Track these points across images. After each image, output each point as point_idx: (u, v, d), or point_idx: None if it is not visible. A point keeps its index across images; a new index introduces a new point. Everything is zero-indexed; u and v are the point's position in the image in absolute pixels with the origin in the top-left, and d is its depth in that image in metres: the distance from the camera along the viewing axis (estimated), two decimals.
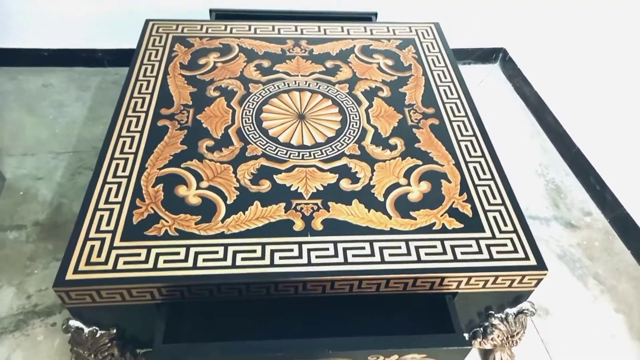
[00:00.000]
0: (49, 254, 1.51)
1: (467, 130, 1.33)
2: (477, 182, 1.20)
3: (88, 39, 2.09)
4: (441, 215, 1.11)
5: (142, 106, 1.32)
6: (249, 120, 1.31)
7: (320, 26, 1.66)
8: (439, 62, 1.55)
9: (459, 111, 1.38)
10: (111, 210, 1.07)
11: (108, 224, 1.05)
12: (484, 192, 1.17)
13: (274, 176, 1.17)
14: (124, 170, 1.16)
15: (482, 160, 1.25)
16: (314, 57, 1.53)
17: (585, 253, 1.63)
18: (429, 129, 1.32)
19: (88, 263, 0.98)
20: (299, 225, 1.07)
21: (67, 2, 1.95)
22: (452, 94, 1.44)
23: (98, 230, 1.04)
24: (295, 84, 1.43)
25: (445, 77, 1.49)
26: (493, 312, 1.17)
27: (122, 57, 2.13)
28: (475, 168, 1.23)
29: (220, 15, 1.86)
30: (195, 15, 1.95)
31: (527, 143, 2.01)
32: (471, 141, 1.30)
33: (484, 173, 1.22)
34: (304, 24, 1.66)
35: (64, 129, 1.90)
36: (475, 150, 1.27)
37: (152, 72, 1.43)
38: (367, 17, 1.89)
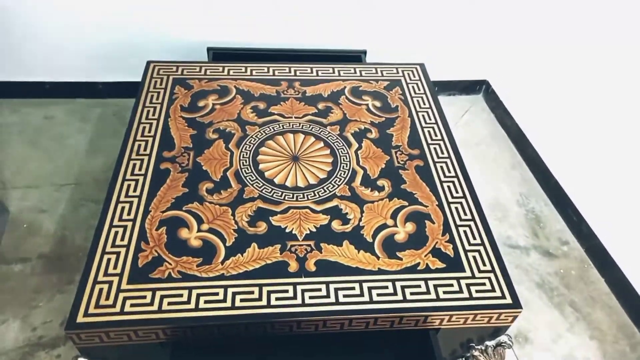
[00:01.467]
0: (53, 287, 1.58)
1: (449, 171, 1.42)
2: (458, 222, 1.29)
3: (89, 72, 2.17)
4: (425, 256, 1.20)
5: (145, 149, 1.40)
6: (246, 162, 1.39)
7: (312, 67, 1.76)
8: (424, 104, 1.65)
9: (442, 152, 1.48)
10: (117, 254, 1.15)
11: (115, 267, 1.12)
12: (465, 232, 1.27)
13: (270, 218, 1.25)
14: (129, 214, 1.23)
15: (463, 201, 1.34)
16: (306, 98, 1.63)
17: (563, 281, 1.73)
18: (414, 170, 1.42)
19: (97, 306, 1.05)
20: (293, 266, 1.15)
21: (69, 36, 2.03)
22: (435, 135, 1.54)
23: (106, 274, 1.11)
24: (290, 125, 1.52)
25: (430, 119, 1.59)
26: (474, 345, 1.26)
27: (122, 89, 2.22)
28: (457, 209, 1.32)
29: (217, 53, 1.95)
30: (193, 52, 2.05)
31: (508, 173, 2.12)
32: (453, 182, 1.39)
33: (465, 214, 1.31)
34: (297, 65, 1.76)
35: (66, 161, 1.97)
36: (457, 191, 1.37)
37: (154, 114, 1.51)
38: (356, 55, 1.99)
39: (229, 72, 1.70)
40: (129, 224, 1.21)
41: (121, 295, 1.07)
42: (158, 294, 1.08)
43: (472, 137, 2.27)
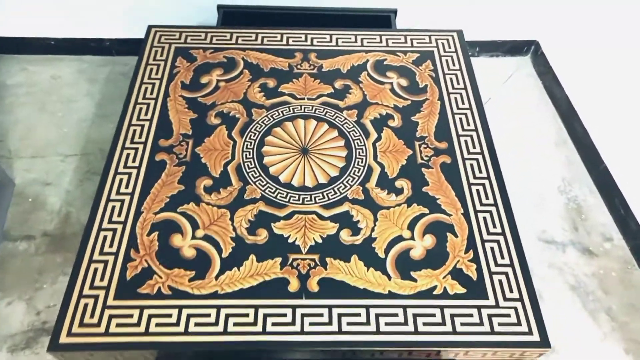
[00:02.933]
0: (57, 268, 1.54)
1: (480, 171, 1.24)
2: (485, 236, 1.13)
3: (96, 28, 2.01)
4: (443, 277, 1.07)
5: (140, 136, 1.27)
6: (249, 154, 1.25)
7: (332, 35, 1.54)
8: (458, 83, 1.43)
9: (474, 147, 1.29)
10: (105, 263, 1.06)
11: (102, 278, 1.04)
12: (492, 249, 1.11)
13: (272, 224, 1.13)
14: (119, 215, 1.13)
15: (493, 209, 1.18)
16: (322, 74, 1.43)
17: (601, 284, 1.56)
18: (439, 169, 1.24)
19: (81, 324, 0.98)
20: (294, 285, 1.04)
21: None
22: (468, 124, 1.34)
23: (92, 286, 1.03)
24: (301, 109, 1.35)
25: (463, 103, 1.38)
26: None
27: (130, 46, 2.06)
28: (485, 219, 1.16)
29: (227, 12, 1.75)
30: (203, 11, 1.85)
31: (551, 152, 1.90)
32: (483, 185, 1.22)
33: (494, 226, 1.15)
34: (314, 32, 1.55)
35: (72, 128, 1.88)
36: (487, 197, 1.19)
37: (152, 93, 1.37)
38: (385, 16, 1.75)
39: (237, 40, 1.52)
40: (119, 227, 1.12)
41: (107, 313, 1.00)
42: (146, 313, 1.00)
43: (513, 106, 2.02)
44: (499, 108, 1.99)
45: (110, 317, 0.99)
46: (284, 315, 1.00)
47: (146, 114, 1.32)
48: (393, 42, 1.53)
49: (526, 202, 1.72)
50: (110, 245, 1.09)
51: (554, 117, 2.01)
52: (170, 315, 0.99)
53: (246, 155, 1.25)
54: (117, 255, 1.07)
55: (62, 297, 1.46)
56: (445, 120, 1.34)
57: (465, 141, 1.30)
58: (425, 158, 1.26)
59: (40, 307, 1.47)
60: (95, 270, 1.05)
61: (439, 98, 1.39)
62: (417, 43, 1.53)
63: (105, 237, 1.10)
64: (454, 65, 1.48)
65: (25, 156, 1.79)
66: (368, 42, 1.53)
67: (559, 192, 1.78)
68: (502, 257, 1.10)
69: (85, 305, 1.01)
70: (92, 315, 0.99)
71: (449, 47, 1.53)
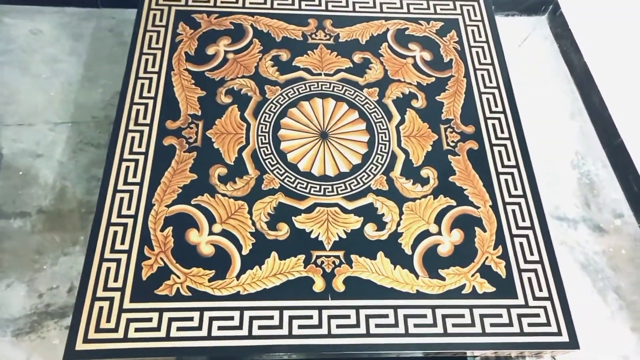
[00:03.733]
0: (56, 248, 1.46)
1: (509, 159, 1.18)
2: (514, 231, 1.09)
3: None
4: (472, 276, 1.03)
5: (144, 117, 1.17)
6: (265, 139, 1.16)
7: None
8: (485, 58, 1.34)
9: (502, 131, 1.22)
10: (118, 262, 1.00)
11: (116, 279, 0.98)
12: (521, 245, 1.08)
13: (293, 218, 1.07)
14: (129, 208, 1.05)
15: (522, 201, 1.13)
16: (339, 46, 1.32)
17: (610, 263, 1.57)
18: (466, 156, 1.18)
19: (98, 330, 0.93)
20: (319, 285, 1.00)
21: None
22: (496, 105, 1.26)
23: (106, 288, 0.97)
24: (318, 86, 1.25)
25: (490, 81, 1.30)
26: None
27: None
28: (514, 212, 1.12)
29: None
30: None
31: (565, 124, 1.84)
32: (512, 175, 1.16)
33: (523, 219, 1.11)
34: None
35: (59, 93, 1.73)
36: (515, 188, 1.15)
37: (153, 65, 1.24)
38: None
39: (245, 3, 1.37)
40: (130, 221, 1.04)
41: (124, 317, 0.95)
42: (166, 315, 0.95)
43: (527, 71, 1.93)
44: (511, 73, 1.90)
45: (128, 321, 0.94)
46: (310, 317, 0.97)
47: (149, 91, 1.20)
48: (415, 8, 1.41)
49: (539, 176, 1.68)
50: (122, 242, 1.02)
51: (570, 86, 1.93)
52: (191, 319, 0.95)
53: (261, 139, 1.16)
54: (130, 253, 1.01)
55: (64, 278, 1.42)
56: (472, 100, 1.26)
57: (493, 125, 1.23)
58: (452, 144, 1.19)
59: (42, 290, 1.41)
60: (108, 270, 0.99)
61: (464, 75, 1.30)
62: (441, 10, 1.42)
63: (115, 233, 1.03)
64: (480, 36, 1.37)
65: (11, 124, 1.65)
66: (388, 8, 1.40)
67: (572, 166, 1.75)
68: (532, 254, 1.07)
69: (100, 308, 0.95)
70: (108, 320, 0.94)
71: (475, 15, 1.41)
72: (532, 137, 1.78)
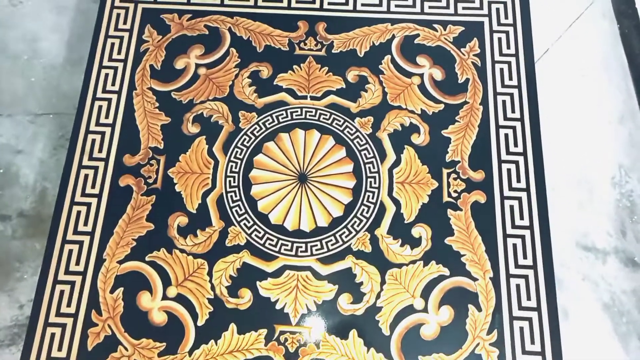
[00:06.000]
0: (37, 256, 1.40)
1: (521, 217, 0.99)
2: (515, 311, 0.93)
3: None
4: None
5: (100, 149, 1.03)
6: (234, 181, 1.01)
7: None
8: (510, 78, 1.09)
9: (519, 180, 1.01)
10: (63, 327, 0.92)
11: (60, 347, 0.91)
12: (521, 330, 0.92)
13: (258, 283, 0.94)
14: (77, 263, 0.96)
15: (530, 274, 0.95)
16: (332, 58, 1.10)
17: (639, 304, 1.38)
18: (469, 212, 0.99)
19: None
20: None
21: None
22: (515, 144, 1.03)
23: (49, 357, 0.90)
24: (301, 113, 1.06)
25: (513, 110, 1.06)
26: None
27: None
28: (518, 287, 0.94)
29: None
30: None
31: (612, 129, 1.55)
32: (523, 238, 0.97)
33: (529, 298, 0.94)
34: None
35: (41, 78, 1.59)
36: (525, 256, 0.96)
37: (113, 83, 1.08)
38: None
39: (223, 0, 1.15)
40: (78, 279, 0.95)
41: None
42: None
43: (576, 60, 1.62)
44: (555, 61, 1.60)
45: None
46: None
47: (107, 116, 1.05)
48: (430, 7, 1.15)
49: (570, 195, 1.46)
50: (69, 304, 0.93)
51: (625, 80, 1.61)
52: None
53: (230, 182, 1.01)
54: (77, 317, 0.92)
55: None
56: (486, 135, 1.04)
57: (508, 170, 1.02)
58: (454, 194, 1.00)
59: (23, 301, 1.37)
60: (52, 336, 0.91)
61: (481, 101, 1.07)
62: (463, 9, 1.14)
63: (62, 293, 0.94)
64: (508, 47, 1.11)
65: None
66: (397, 7, 1.14)
67: (612, 184, 1.50)
68: (533, 342, 0.91)
69: None
70: None
71: (506, 17, 1.14)
72: (566, 143, 1.53)
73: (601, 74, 1.63)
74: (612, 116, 1.58)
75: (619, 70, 1.63)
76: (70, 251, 0.96)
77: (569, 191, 1.46)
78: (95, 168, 1.01)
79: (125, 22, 1.12)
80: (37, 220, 1.44)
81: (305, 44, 1.11)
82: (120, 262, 0.95)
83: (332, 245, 0.96)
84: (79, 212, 0.98)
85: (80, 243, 0.96)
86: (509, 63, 1.09)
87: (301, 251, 0.96)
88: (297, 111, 1.05)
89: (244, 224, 0.98)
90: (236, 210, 0.98)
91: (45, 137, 1.52)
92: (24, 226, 1.43)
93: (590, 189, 1.49)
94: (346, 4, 1.14)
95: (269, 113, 1.05)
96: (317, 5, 1.14)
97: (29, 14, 1.67)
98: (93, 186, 1.00)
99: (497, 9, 1.14)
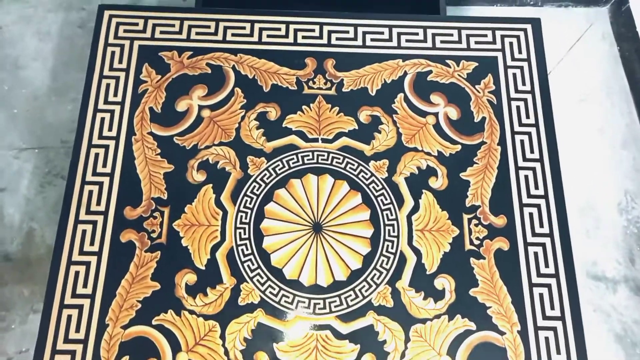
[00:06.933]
0: (25, 303, 1.32)
1: (547, 264, 0.95)
2: None
3: None
4: None
5: (98, 202, 0.95)
6: (244, 233, 0.94)
7: (356, 26, 1.10)
8: (527, 117, 1.05)
9: (542, 225, 0.97)
10: None
11: None
12: None
13: (274, 345, 0.88)
14: (77, 330, 0.88)
15: (559, 325, 0.91)
16: (343, 98, 1.04)
17: None
18: (493, 260, 0.95)
19: None
20: None
21: None
22: (536, 187, 1.00)
23: None
24: (313, 157, 1.00)
25: (532, 150, 1.02)
26: None
27: None
28: (547, 340, 0.91)
29: None
30: None
31: (615, 154, 1.55)
32: (549, 287, 0.94)
33: (558, 352, 0.90)
34: (331, 20, 1.10)
35: (24, 108, 1.50)
36: (552, 307, 0.92)
37: (110, 128, 1.00)
38: None
39: (226, 35, 1.08)
40: (79, 348, 0.87)
41: None
42: None
43: (576, 84, 1.61)
44: (557, 84, 1.58)
45: None
46: None
47: (104, 165, 0.97)
48: (442, 41, 1.10)
49: (577, 223, 1.44)
50: None
51: (627, 104, 1.60)
52: None
53: (240, 234, 0.94)
54: None
55: (34, 339, 1.29)
56: (506, 178, 1.00)
57: (531, 215, 0.98)
58: (476, 242, 0.96)
59: (11, 353, 1.29)
60: None
61: (499, 141, 1.03)
62: (476, 43, 1.10)
63: None
64: (524, 84, 1.07)
65: None
66: (407, 41, 1.10)
67: (618, 210, 1.48)
68: None
69: None
70: None
71: (519, 52, 1.10)
72: (571, 169, 1.51)
73: (602, 96, 1.62)
74: (615, 140, 1.57)
75: (621, 94, 1.62)
76: (69, 317, 0.88)
77: (576, 219, 1.44)
78: (94, 223, 0.93)
79: (120, 61, 1.04)
80: (24, 264, 1.36)
81: (314, 82, 1.05)
82: (125, 327, 0.88)
83: (351, 300, 0.91)
84: (77, 273, 0.90)
85: (80, 307, 0.89)
86: (525, 100, 1.06)
87: (319, 308, 0.90)
88: (308, 155, 1.00)
89: (257, 280, 0.91)
90: (248, 265, 0.92)
91: (30, 173, 1.44)
92: (10, 270, 1.34)
93: (597, 217, 1.47)
94: (355, 39, 1.09)
95: (279, 158, 0.99)
96: (324, 40, 1.09)
97: (10, 41, 1.58)
98: (92, 243, 0.92)
99: (511, 43, 1.10)
